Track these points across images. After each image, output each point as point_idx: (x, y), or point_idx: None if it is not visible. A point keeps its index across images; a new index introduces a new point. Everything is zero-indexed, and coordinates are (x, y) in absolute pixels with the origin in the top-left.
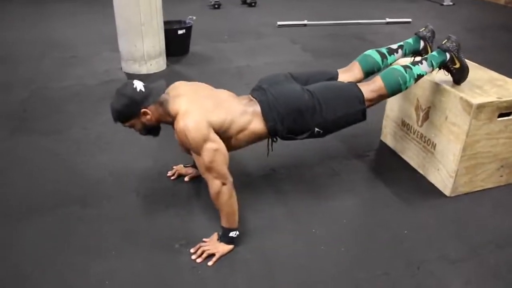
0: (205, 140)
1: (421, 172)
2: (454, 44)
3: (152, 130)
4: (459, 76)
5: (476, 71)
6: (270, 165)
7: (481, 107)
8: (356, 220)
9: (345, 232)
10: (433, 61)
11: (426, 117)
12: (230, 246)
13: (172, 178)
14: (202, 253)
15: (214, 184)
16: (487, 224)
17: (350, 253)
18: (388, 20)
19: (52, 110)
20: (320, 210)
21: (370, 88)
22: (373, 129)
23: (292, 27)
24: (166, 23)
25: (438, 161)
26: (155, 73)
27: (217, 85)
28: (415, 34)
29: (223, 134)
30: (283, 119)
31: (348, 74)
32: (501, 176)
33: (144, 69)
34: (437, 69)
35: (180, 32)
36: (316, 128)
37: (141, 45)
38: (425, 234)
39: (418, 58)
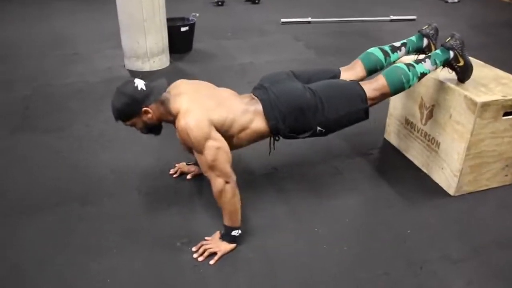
0: (207, 138)
1: (425, 171)
2: (458, 42)
3: (153, 129)
4: (463, 74)
5: (481, 69)
6: (272, 164)
7: (485, 105)
8: (359, 219)
9: (348, 231)
10: (436, 60)
11: (430, 115)
12: (232, 245)
13: (174, 176)
14: (203, 252)
15: (217, 183)
16: (491, 224)
17: (352, 252)
18: (392, 17)
19: (54, 108)
20: (323, 209)
21: (372, 87)
22: (377, 127)
23: (296, 24)
24: (169, 20)
25: (442, 160)
26: (158, 70)
27: (220, 82)
28: (418, 31)
29: (225, 133)
30: (285, 117)
31: (350, 72)
32: (506, 175)
33: (147, 66)
34: (441, 67)
35: (183, 29)
36: (318, 127)
37: (144, 42)
38: (428, 233)
39: (421, 56)
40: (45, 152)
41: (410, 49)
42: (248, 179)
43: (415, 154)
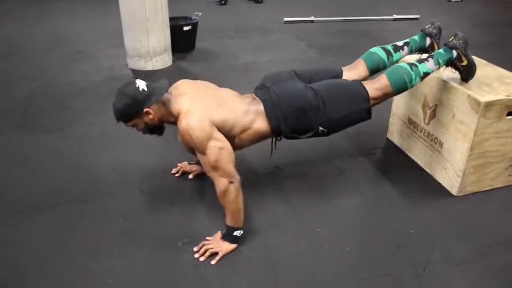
0: (209, 138)
1: (428, 171)
2: (461, 41)
3: (155, 129)
4: (466, 73)
5: (484, 68)
6: (275, 163)
7: (489, 105)
8: (361, 219)
9: (350, 232)
10: (439, 59)
11: (433, 115)
12: (234, 245)
13: (176, 175)
14: (205, 252)
15: (220, 183)
16: (494, 224)
17: (354, 252)
18: (395, 16)
19: (56, 107)
20: (325, 209)
21: (375, 86)
22: (380, 127)
23: (299, 24)
24: (172, 19)
25: (446, 160)
26: (160, 69)
27: (223, 81)
28: (421, 30)
29: (227, 134)
30: (287, 118)
31: (352, 71)
32: (510, 175)
33: (149, 66)
34: (444, 66)
35: (185, 28)
36: (320, 127)
37: (146, 41)
38: (430, 234)
39: (424, 56)
40: (46, 152)
41: (413, 48)
42: (251, 178)
43: (418, 154)
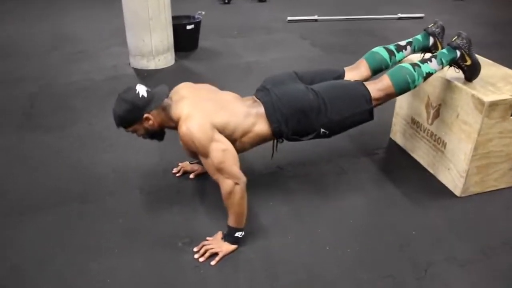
0: (211, 141)
1: (431, 171)
2: (465, 41)
3: (155, 135)
4: (470, 73)
5: (489, 68)
6: (276, 163)
7: (493, 105)
8: (363, 220)
9: (351, 233)
10: (442, 59)
11: (437, 115)
12: (234, 246)
13: (177, 175)
14: (205, 252)
15: (226, 184)
16: (498, 225)
17: (355, 254)
18: (400, 15)
19: (58, 106)
20: (326, 210)
21: (377, 87)
22: (383, 127)
23: (302, 23)
24: (174, 18)
25: (449, 160)
26: (163, 68)
27: (226, 80)
28: (424, 30)
29: (228, 137)
30: (287, 120)
31: (354, 72)
32: None
33: (152, 65)
34: (448, 66)
35: (188, 27)
36: (321, 129)
37: (149, 40)
38: (433, 235)
39: (427, 56)
40: (46, 151)
41: (416, 48)
42: (252, 178)
43: (421, 154)
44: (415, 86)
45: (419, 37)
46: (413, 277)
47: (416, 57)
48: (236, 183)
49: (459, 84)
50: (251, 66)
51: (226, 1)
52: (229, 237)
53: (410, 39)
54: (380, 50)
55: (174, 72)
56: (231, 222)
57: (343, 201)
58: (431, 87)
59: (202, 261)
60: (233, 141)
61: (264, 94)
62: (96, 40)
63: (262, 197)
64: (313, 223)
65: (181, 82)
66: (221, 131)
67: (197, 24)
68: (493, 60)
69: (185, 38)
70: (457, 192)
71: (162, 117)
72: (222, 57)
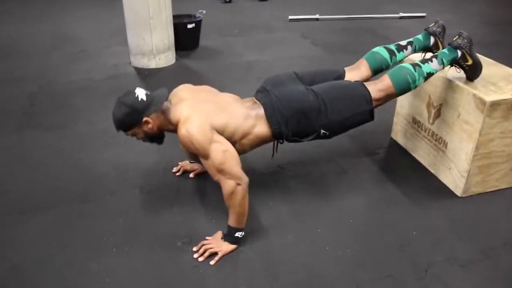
0: (211, 142)
1: (432, 171)
2: (466, 40)
3: (154, 138)
4: (472, 72)
5: (490, 67)
6: (277, 162)
7: (495, 104)
8: (363, 220)
9: (351, 233)
10: (443, 59)
11: (438, 114)
12: (233, 246)
13: (177, 174)
14: (204, 252)
15: (227, 185)
16: (499, 226)
17: (355, 254)
18: (401, 14)
19: (59, 105)
20: (327, 209)
21: (377, 87)
22: (384, 126)
23: (304, 22)
24: (175, 17)
25: (450, 160)
26: (164, 67)
27: (226, 79)
28: (425, 29)
29: (228, 139)
30: (287, 121)
31: (355, 72)
32: None
33: (153, 63)
34: (449, 66)
35: (189, 26)
36: (321, 130)
37: (149, 39)
38: (434, 235)
39: (428, 56)
40: (47, 150)
41: (417, 47)
42: (253, 178)
43: (422, 154)
44: (415, 86)
45: (420, 36)
46: (414, 278)
47: (417, 57)
48: (238, 184)
49: (461, 84)
50: (251, 65)
51: (227, 0)
52: (229, 237)
53: (411, 39)
54: (380, 50)
55: (174, 71)
56: (232, 222)
57: (343, 201)
58: (432, 87)
59: (202, 261)
60: (233, 143)
61: (264, 95)
62: (97, 39)
63: (262, 197)
64: (313, 223)
65: (182, 81)
66: (221, 133)
67: (198, 23)
68: (494, 60)
69: (186, 37)
70: (458, 192)
71: (161, 120)
72: (222, 56)
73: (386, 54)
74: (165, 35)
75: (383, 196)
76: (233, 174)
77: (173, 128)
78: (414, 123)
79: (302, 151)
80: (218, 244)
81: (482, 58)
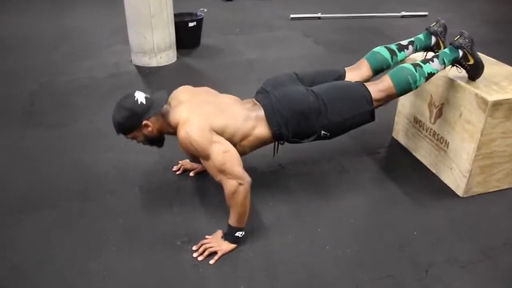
0: (211, 143)
1: (433, 171)
2: (467, 40)
3: (154, 141)
4: (473, 72)
5: (492, 67)
6: (278, 161)
7: (497, 104)
8: (364, 219)
9: (351, 232)
10: (444, 59)
11: (440, 114)
12: (233, 245)
13: (177, 173)
14: (204, 251)
15: (229, 185)
16: (501, 226)
17: (355, 253)
18: (404, 13)
19: (59, 103)
20: (327, 209)
21: (378, 88)
22: (385, 125)
23: (305, 20)
24: (176, 15)
25: (451, 160)
26: (165, 65)
27: (227, 78)
28: (426, 29)
29: (228, 141)
30: (287, 122)
31: (356, 72)
32: None
33: (154, 62)
34: (450, 66)
35: (190, 24)
36: (322, 131)
37: (150, 37)
38: (434, 235)
39: (429, 55)
40: (48, 149)
41: (418, 47)
42: (254, 176)
43: (424, 153)
44: (416, 87)
45: (421, 36)
46: (414, 278)
47: (419, 56)
48: (240, 183)
49: (462, 83)
50: (253, 64)
51: None
52: (229, 236)
53: (412, 39)
54: (381, 50)
55: (176, 69)
56: (233, 221)
57: (344, 200)
58: (434, 86)
59: (201, 260)
60: (233, 144)
61: (263, 96)
62: (98, 38)
63: (262, 196)
64: (313, 223)
65: (183, 79)
66: (220, 134)
67: (199, 22)
68: (498, 59)
69: (187, 35)
70: (460, 192)
71: (161, 123)
72: (224, 55)
73: (387, 54)
74: (166, 34)
75: (384, 196)
76: (235, 174)
77: (173, 131)
78: (416, 122)
79: (303, 150)
80: (218, 243)
81: (483, 57)
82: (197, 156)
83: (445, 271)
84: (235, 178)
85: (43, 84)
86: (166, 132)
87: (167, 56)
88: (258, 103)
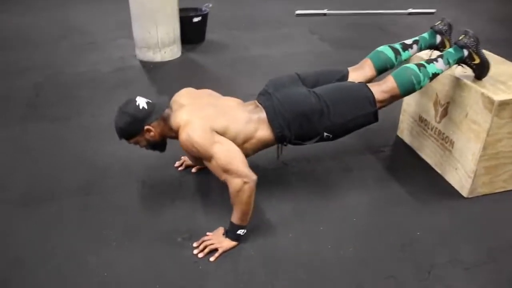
0: (212, 144)
1: (438, 170)
2: (472, 39)
3: (157, 146)
4: (479, 71)
5: (499, 66)
6: (281, 158)
7: (503, 104)
8: (366, 219)
9: (354, 232)
10: (449, 59)
11: (445, 113)
12: (234, 243)
13: (179, 168)
14: (204, 248)
15: (234, 183)
16: (506, 228)
17: (357, 253)
18: (410, 10)
19: (64, 96)
20: (330, 207)
21: (381, 89)
22: (390, 124)
23: (311, 17)
24: (181, 10)
25: (456, 160)
26: (169, 60)
27: (232, 74)
28: (431, 28)
29: None
30: (290, 124)
31: (359, 72)
32: None
33: (158, 57)
34: (455, 65)
35: (195, 19)
36: (324, 132)
37: (155, 32)
38: (438, 236)
39: (434, 55)
40: (51, 142)
41: (423, 46)
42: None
43: (428, 153)
44: (420, 87)
45: (425, 35)
46: (416, 279)
47: (426, 55)
48: (245, 182)
49: (469, 82)
50: (257, 60)
51: None
52: (231, 233)
53: (417, 37)
54: (385, 49)
55: (180, 64)
56: (235, 219)
57: (347, 199)
58: (440, 85)
59: (201, 257)
60: None
61: (265, 98)
62: (103, 32)
63: (265, 194)
64: (315, 221)
65: (187, 74)
66: (221, 135)
67: (204, 17)
68: (505, 57)
69: (191, 30)
70: (464, 192)
71: (162, 128)
72: (229, 50)
73: (390, 53)
74: (170, 28)
75: (387, 195)
76: (240, 173)
77: (175, 135)
78: (421, 121)
79: (307, 147)
80: (218, 240)
81: (490, 55)
82: (199, 158)
83: (448, 273)
84: (240, 176)
85: (48, 76)
86: (168, 136)
87: (171, 51)
88: (260, 105)
